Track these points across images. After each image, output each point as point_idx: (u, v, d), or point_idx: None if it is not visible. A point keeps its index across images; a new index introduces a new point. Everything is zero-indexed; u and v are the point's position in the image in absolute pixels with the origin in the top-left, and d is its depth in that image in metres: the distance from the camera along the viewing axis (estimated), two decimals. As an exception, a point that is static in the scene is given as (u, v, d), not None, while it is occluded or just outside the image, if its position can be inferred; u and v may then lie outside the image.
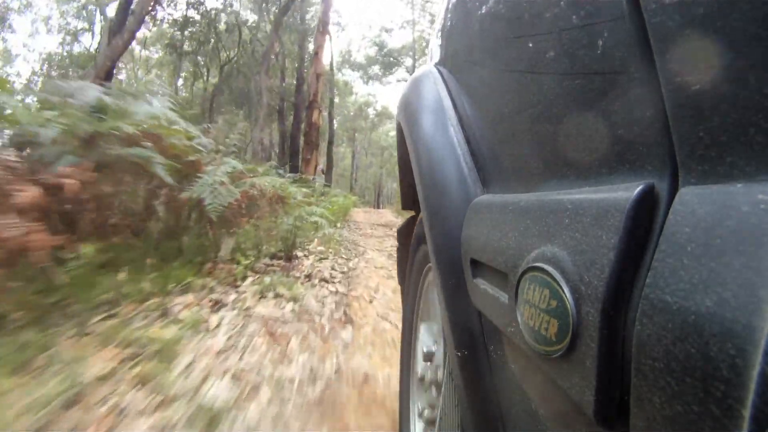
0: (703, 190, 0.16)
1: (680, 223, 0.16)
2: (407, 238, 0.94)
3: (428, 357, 0.69)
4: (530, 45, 0.33)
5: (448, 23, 0.61)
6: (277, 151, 16.17)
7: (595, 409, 0.19)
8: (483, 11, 0.46)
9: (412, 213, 0.97)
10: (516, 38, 0.36)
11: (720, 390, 0.13)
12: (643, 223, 0.18)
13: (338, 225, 6.09)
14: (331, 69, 16.86)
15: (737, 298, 0.13)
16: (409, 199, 0.90)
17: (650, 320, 0.16)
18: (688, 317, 0.14)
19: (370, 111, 32.11)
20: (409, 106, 0.63)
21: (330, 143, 17.36)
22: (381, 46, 21.81)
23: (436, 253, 0.45)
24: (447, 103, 0.53)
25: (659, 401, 0.15)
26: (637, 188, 0.19)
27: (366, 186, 37.45)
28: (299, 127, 11.82)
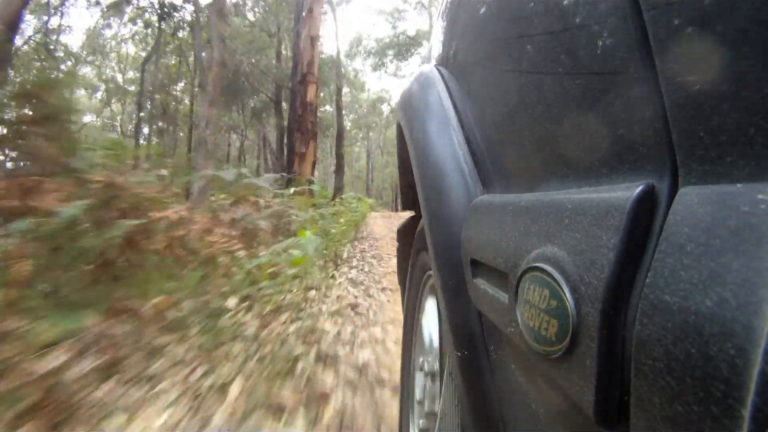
0: (703, 190, 0.16)
1: (680, 223, 0.16)
2: (407, 237, 0.94)
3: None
4: (530, 45, 0.33)
5: (448, 23, 0.61)
6: (276, 150, 14.17)
7: (595, 409, 0.19)
8: (483, 11, 0.46)
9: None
10: (516, 38, 0.36)
11: (720, 390, 0.13)
12: (643, 223, 0.18)
13: (344, 256, 4.10)
14: (338, 57, 15.19)
15: (737, 298, 0.13)
16: (409, 199, 0.90)
17: (650, 320, 0.16)
18: (688, 317, 0.14)
19: (384, 108, 30.47)
20: (408, 106, 0.63)
21: (339, 139, 14.68)
22: (395, 25, 20.05)
23: (436, 254, 0.45)
24: (447, 103, 0.53)
25: (659, 401, 0.15)
26: (637, 188, 0.19)
27: (383, 187, 35.13)
28: (297, 117, 8.94)
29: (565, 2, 0.28)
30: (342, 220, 5.90)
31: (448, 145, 0.48)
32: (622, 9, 0.22)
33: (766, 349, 0.11)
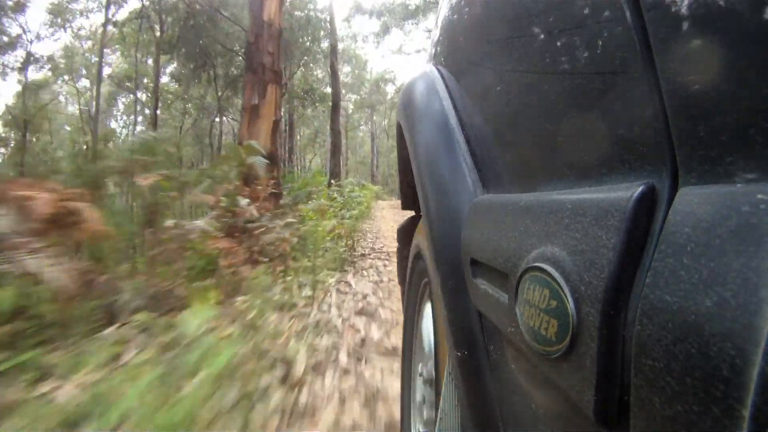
0: (703, 190, 0.16)
1: (680, 223, 0.16)
2: (407, 237, 0.94)
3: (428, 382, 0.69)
4: (530, 45, 0.33)
5: (447, 22, 0.61)
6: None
7: (595, 409, 0.19)
8: (482, 10, 0.46)
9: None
10: (516, 38, 0.36)
11: (720, 390, 0.13)
12: (643, 223, 0.18)
13: (297, 368, 1.30)
14: (331, 7, 12.48)
15: (737, 298, 0.13)
16: (409, 199, 0.90)
17: (650, 320, 0.16)
18: (688, 317, 0.14)
19: (389, 88, 28.30)
20: (408, 106, 0.63)
21: (335, 110, 11.31)
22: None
23: (436, 254, 0.45)
24: (447, 103, 0.53)
25: (659, 401, 0.15)
26: (637, 188, 0.19)
27: (388, 173, 31.40)
28: (247, 48, 5.33)
29: (565, 2, 0.28)
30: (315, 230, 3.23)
31: (448, 145, 0.48)
32: (622, 9, 0.22)
33: (766, 349, 0.11)
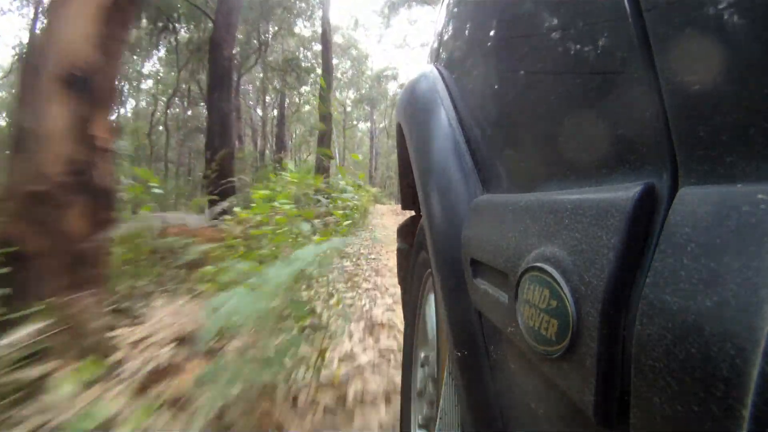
0: (703, 190, 0.16)
1: (680, 223, 0.16)
2: (407, 237, 0.95)
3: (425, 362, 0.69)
4: (530, 45, 0.33)
5: (448, 22, 0.61)
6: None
7: (595, 409, 0.19)
8: (482, 11, 0.46)
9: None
10: (516, 38, 0.36)
11: (720, 390, 0.13)
12: (643, 223, 0.18)
13: None
14: None
15: (737, 298, 0.13)
16: (409, 199, 0.91)
17: (650, 320, 0.16)
18: (688, 317, 0.14)
19: (391, 86, 26.73)
20: (409, 106, 0.63)
21: (326, 86, 9.15)
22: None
23: (436, 254, 0.45)
24: (447, 103, 0.53)
25: (659, 401, 0.15)
26: (637, 188, 0.19)
27: (388, 175, 29.08)
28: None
29: (565, 2, 0.28)
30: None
31: (448, 145, 0.48)
32: (622, 9, 0.22)
33: (766, 349, 0.11)
